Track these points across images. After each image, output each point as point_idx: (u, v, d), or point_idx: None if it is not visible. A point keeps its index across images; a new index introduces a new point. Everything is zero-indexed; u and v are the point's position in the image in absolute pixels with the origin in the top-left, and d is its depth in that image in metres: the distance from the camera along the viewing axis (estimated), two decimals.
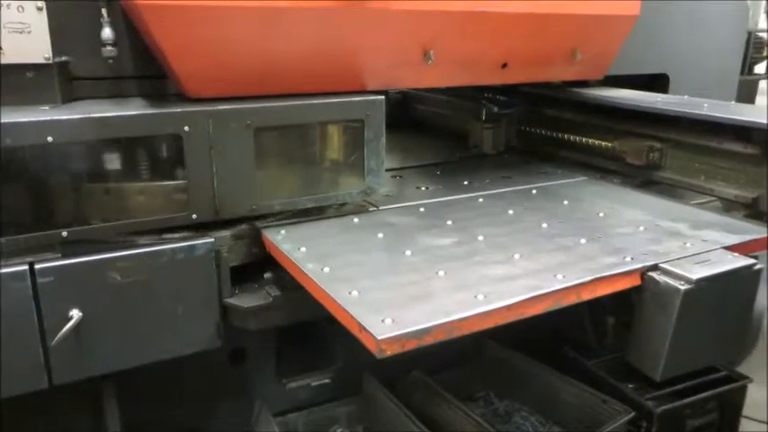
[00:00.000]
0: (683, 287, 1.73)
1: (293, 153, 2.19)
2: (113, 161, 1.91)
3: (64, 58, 1.95)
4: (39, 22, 1.83)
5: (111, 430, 2.22)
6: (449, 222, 2.22)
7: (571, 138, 3.09)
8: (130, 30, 2.03)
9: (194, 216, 1.98)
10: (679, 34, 3.41)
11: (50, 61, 1.86)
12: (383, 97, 2.23)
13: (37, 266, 1.76)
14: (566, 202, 2.47)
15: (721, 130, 2.47)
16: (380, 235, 2.09)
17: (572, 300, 1.71)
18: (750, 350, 3.22)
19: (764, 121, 2.27)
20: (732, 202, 2.47)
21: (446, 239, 2.05)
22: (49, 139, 1.75)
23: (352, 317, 1.52)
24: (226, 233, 2.05)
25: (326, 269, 1.80)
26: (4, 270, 1.74)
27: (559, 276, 1.73)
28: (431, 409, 2.77)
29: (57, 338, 1.77)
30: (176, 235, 1.98)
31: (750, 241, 2.04)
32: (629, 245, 1.98)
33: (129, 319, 1.91)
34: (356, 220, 2.24)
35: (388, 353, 1.41)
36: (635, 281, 1.82)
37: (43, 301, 1.77)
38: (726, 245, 1.98)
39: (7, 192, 1.77)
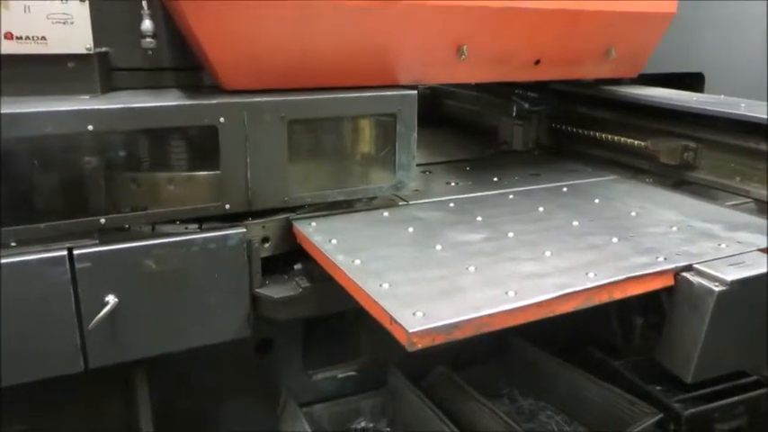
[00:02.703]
0: (717, 288, 1.71)
1: (325, 146, 2.21)
2: (151, 150, 1.94)
3: (104, 49, 1.99)
4: (81, 13, 1.86)
5: (143, 416, 2.27)
6: (478, 218, 2.21)
7: (602, 136, 3.06)
8: (168, 22, 2.07)
9: (227, 206, 2.01)
10: (715, 33, 3.35)
11: (91, 52, 1.90)
12: (415, 92, 2.24)
13: (75, 252, 1.81)
14: (597, 201, 2.45)
15: (758, 130, 2.42)
16: (410, 229, 2.09)
17: (603, 299, 1.70)
18: None
19: None
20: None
21: (476, 235, 2.04)
22: (90, 127, 1.79)
23: (383, 309, 1.52)
24: (258, 223, 2.07)
25: (357, 261, 1.80)
26: (44, 255, 1.78)
27: (591, 275, 1.72)
28: (455, 404, 2.77)
29: (93, 323, 1.81)
30: (210, 224, 2.01)
31: None
32: (662, 245, 1.96)
33: (163, 306, 1.95)
34: (386, 213, 2.25)
35: (419, 346, 1.42)
36: (668, 281, 1.80)
37: (81, 287, 1.82)
38: (761, 247, 1.94)
39: (47, 179, 1.81)
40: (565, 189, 2.64)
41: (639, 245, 1.96)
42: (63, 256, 1.79)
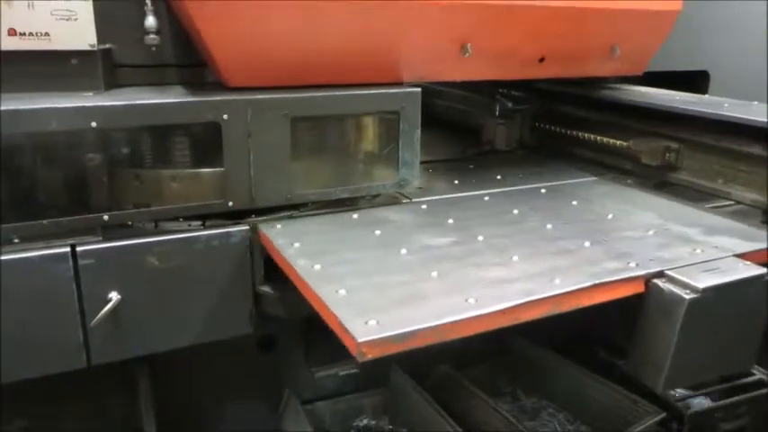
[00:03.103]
0: (688, 296, 1.65)
1: (328, 143, 2.21)
2: (154, 147, 1.94)
3: (108, 46, 1.99)
4: (85, 10, 1.86)
5: (145, 413, 2.27)
6: (450, 221, 2.15)
7: (585, 136, 3.00)
8: (172, 18, 2.07)
9: (231, 203, 2.01)
10: (721, 31, 3.34)
11: (95, 48, 1.90)
12: (419, 90, 2.24)
13: (79, 249, 1.80)
14: (574, 203, 2.40)
15: (741, 131, 2.35)
16: (378, 232, 2.03)
17: (570, 306, 1.64)
18: None
19: None
20: (750, 207, 2.36)
21: (444, 239, 1.98)
22: (93, 124, 1.79)
23: (335, 317, 1.47)
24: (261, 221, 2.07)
25: (317, 266, 1.74)
26: (47, 252, 1.78)
27: (557, 281, 1.66)
28: (457, 402, 2.77)
29: (96, 319, 1.81)
30: (213, 222, 2.01)
31: (764, 250, 1.95)
32: (636, 250, 1.90)
33: (165, 303, 1.95)
34: (355, 216, 2.18)
35: (369, 356, 1.36)
36: (639, 288, 1.74)
37: (84, 283, 1.81)
38: (738, 252, 1.88)
39: (50, 175, 1.82)
40: (543, 190, 2.59)
41: (612, 249, 1.91)
42: (66, 253, 1.79)
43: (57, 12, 1.83)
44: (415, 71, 2.31)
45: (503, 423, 2.57)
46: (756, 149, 2.32)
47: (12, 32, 1.79)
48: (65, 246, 1.80)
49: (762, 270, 1.77)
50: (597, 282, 1.67)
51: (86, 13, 1.86)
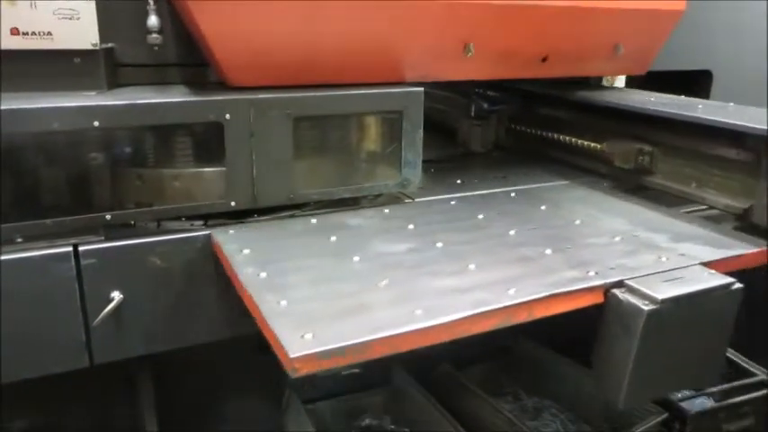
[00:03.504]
0: (646, 307, 1.58)
1: (330, 143, 2.21)
2: (156, 147, 1.94)
3: (110, 45, 1.99)
4: (87, 9, 1.85)
5: (147, 413, 2.27)
6: (410, 227, 2.08)
7: (561, 138, 2.92)
8: (174, 17, 2.06)
9: (233, 203, 2.00)
10: (724, 31, 3.34)
11: (98, 48, 1.89)
12: (422, 89, 2.23)
13: (81, 248, 1.80)
14: (543, 208, 2.33)
15: (715, 134, 2.28)
16: (334, 238, 1.95)
17: (523, 317, 1.57)
18: None
19: (758, 126, 2.07)
20: (723, 212, 2.30)
21: (401, 245, 1.91)
22: (96, 123, 1.78)
23: (270, 329, 1.41)
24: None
25: (263, 274, 1.68)
26: (50, 251, 1.78)
27: (511, 291, 1.59)
28: (459, 402, 2.77)
29: (98, 319, 1.81)
30: (215, 221, 2.01)
31: (732, 257, 1.89)
32: (599, 257, 1.84)
33: (167, 302, 1.95)
34: (314, 221, 2.11)
35: (303, 372, 1.31)
36: (597, 298, 1.67)
37: (86, 283, 1.81)
38: (705, 261, 1.82)
39: (52, 175, 1.81)
40: (513, 194, 2.52)
41: (574, 257, 1.84)
42: (68, 253, 1.79)
43: (59, 11, 1.82)
44: (418, 71, 2.31)
45: (505, 423, 2.57)
46: (730, 153, 2.26)
47: (14, 32, 1.79)
48: (67, 245, 1.80)
49: (727, 279, 1.71)
50: (552, 292, 1.60)
51: (89, 13, 1.86)
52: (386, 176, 2.27)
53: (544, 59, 2.58)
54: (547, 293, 1.60)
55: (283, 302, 1.53)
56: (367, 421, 2.89)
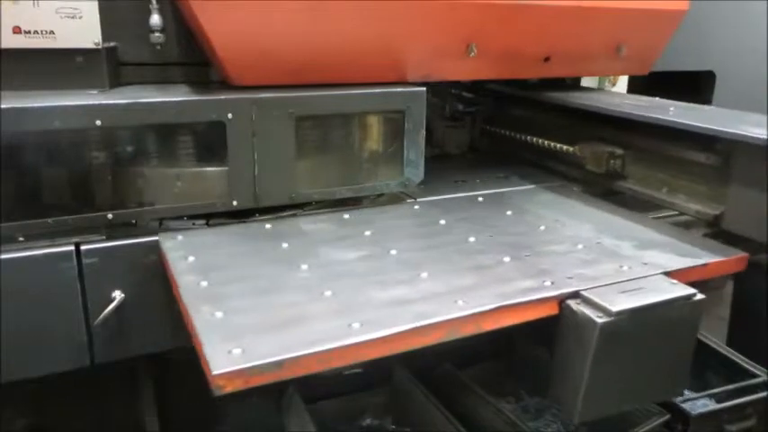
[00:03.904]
0: (600, 320, 1.52)
1: (332, 143, 2.20)
2: (158, 146, 1.94)
3: (112, 44, 1.99)
4: (90, 8, 1.86)
5: (147, 410, 2.27)
6: (367, 233, 2.01)
7: (534, 140, 2.83)
8: (176, 17, 2.06)
9: (235, 202, 2.00)
10: (727, 31, 3.33)
11: (100, 47, 1.90)
12: (424, 89, 2.23)
13: (83, 247, 1.80)
14: (509, 213, 2.27)
15: (684, 137, 2.19)
16: (285, 245, 1.88)
17: (470, 330, 1.51)
18: None
19: (726, 129, 2.00)
20: (694, 218, 2.22)
21: (354, 253, 1.85)
22: (98, 122, 1.78)
23: (199, 343, 1.35)
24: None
25: (204, 283, 1.61)
26: (52, 250, 1.78)
27: (460, 302, 1.53)
28: (460, 402, 2.77)
29: (100, 318, 1.81)
30: (217, 220, 2.01)
31: (697, 266, 1.83)
32: (558, 266, 1.77)
33: (168, 301, 1.94)
34: (268, 226, 2.04)
35: (228, 389, 1.25)
36: (552, 309, 1.61)
37: (88, 282, 1.81)
38: (668, 270, 1.76)
39: (55, 173, 1.81)
40: (481, 199, 2.44)
41: (533, 266, 1.78)
42: (70, 252, 1.79)
43: (62, 10, 1.83)
44: (420, 70, 2.31)
45: (506, 423, 2.56)
46: (699, 157, 2.19)
47: (17, 30, 1.79)
48: (69, 244, 1.80)
49: (689, 290, 1.65)
50: (502, 304, 1.54)
51: (91, 12, 1.86)
52: (388, 176, 2.27)
53: (546, 59, 2.58)
54: (495, 305, 1.53)
55: (218, 314, 1.46)
56: (368, 421, 2.88)
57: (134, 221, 1.94)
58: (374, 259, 1.82)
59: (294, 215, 2.13)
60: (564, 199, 2.48)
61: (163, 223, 1.98)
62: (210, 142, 1.97)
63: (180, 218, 1.99)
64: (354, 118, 2.19)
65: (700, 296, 1.65)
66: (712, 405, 2.59)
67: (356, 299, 1.56)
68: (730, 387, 2.62)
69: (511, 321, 1.56)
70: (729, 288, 3.41)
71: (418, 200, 2.37)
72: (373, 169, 2.27)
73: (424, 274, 1.70)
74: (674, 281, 1.71)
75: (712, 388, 2.63)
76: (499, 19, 2.32)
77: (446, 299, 1.56)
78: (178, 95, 1.92)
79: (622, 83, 4.05)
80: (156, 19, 1.97)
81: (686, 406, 2.54)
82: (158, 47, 2.03)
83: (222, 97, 1.93)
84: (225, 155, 1.95)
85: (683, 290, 1.66)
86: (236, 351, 1.30)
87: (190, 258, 1.76)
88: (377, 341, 1.38)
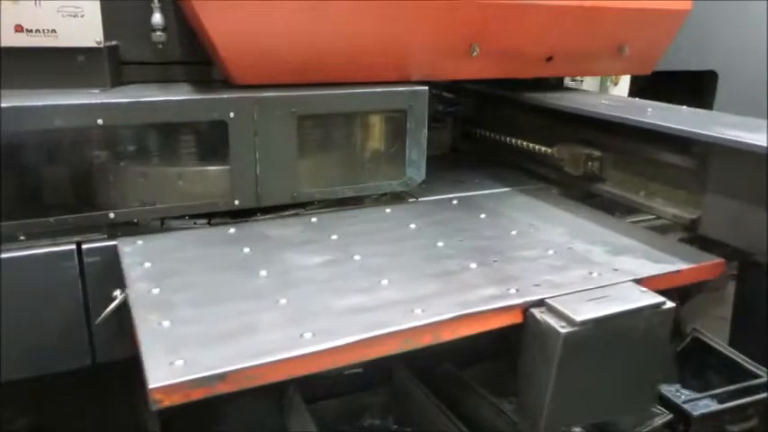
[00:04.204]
0: (563, 330, 1.47)
1: (334, 142, 2.20)
2: (160, 145, 1.94)
3: (114, 43, 1.99)
4: (91, 7, 1.86)
5: (148, 411, 2.26)
6: (333, 237, 1.95)
7: (514, 142, 2.78)
8: (178, 15, 2.06)
9: (237, 202, 2.00)
10: (729, 31, 3.32)
11: (102, 45, 1.89)
12: (426, 88, 2.23)
13: (84, 246, 1.80)
14: (483, 216, 2.21)
15: (661, 139, 2.13)
16: (247, 250, 1.83)
17: (428, 340, 1.46)
18: None
19: (701, 131, 1.94)
20: (672, 222, 2.17)
21: (317, 258, 1.79)
22: (99, 121, 1.78)
23: (141, 354, 1.30)
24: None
25: (156, 291, 1.56)
26: (53, 249, 1.78)
27: (418, 311, 1.48)
28: (462, 402, 2.76)
29: (101, 317, 1.80)
30: (217, 220, 2.01)
31: (669, 273, 1.78)
32: (525, 273, 1.72)
33: None
34: (232, 230, 1.99)
35: (167, 404, 1.21)
36: (516, 318, 1.56)
37: (89, 281, 1.81)
38: (638, 277, 1.71)
39: (56, 172, 1.81)
40: (455, 202, 2.38)
41: (499, 272, 1.72)
42: (72, 251, 1.79)
43: (63, 9, 1.82)
44: (422, 70, 2.30)
45: (507, 423, 2.56)
46: (675, 160, 2.15)
47: (18, 29, 1.79)
48: (70, 243, 1.80)
49: (658, 299, 1.60)
50: (461, 313, 1.49)
51: (93, 11, 1.86)
52: (390, 175, 2.26)
53: (549, 59, 2.57)
54: (454, 314, 1.48)
55: (166, 323, 1.41)
56: (369, 421, 2.88)
57: (136, 221, 1.94)
58: (336, 265, 1.76)
59: (297, 214, 2.12)
60: (540, 202, 2.42)
61: (165, 222, 1.97)
62: (212, 141, 1.97)
63: (182, 217, 1.98)
64: (356, 117, 2.19)
65: (669, 304, 1.60)
66: (714, 405, 2.58)
67: (312, 307, 1.51)
68: (732, 387, 2.62)
69: (471, 330, 1.51)
70: (731, 288, 3.41)
71: (392, 203, 2.32)
72: (375, 169, 2.26)
73: (385, 281, 1.65)
74: (644, 288, 1.66)
75: (714, 388, 2.62)
76: (501, 18, 2.31)
77: (404, 307, 1.51)
78: (180, 94, 1.92)
79: (625, 83, 4.04)
80: (157, 18, 1.97)
81: (688, 406, 2.54)
82: (160, 46, 2.03)
83: (224, 96, 1.93)
84: (227, 154, 1.95)
85: (651, 298, 1.60)
86: (179, 363, 1.25)
87: (146, 264, 1.71)
88: (327, 352, 1.34)
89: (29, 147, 1.75)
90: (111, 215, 1.86)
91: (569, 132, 2.56)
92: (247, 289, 1.61)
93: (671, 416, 2.49)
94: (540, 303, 1.57)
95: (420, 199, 2.39)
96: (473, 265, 1.77)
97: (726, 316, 3.39)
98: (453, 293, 1.59)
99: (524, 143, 2.74)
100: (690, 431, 2.49)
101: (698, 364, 2.80)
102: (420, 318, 1.46)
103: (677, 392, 2.67)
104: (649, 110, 2.36)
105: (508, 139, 2.83)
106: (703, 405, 2.57)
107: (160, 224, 1.97)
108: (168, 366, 1.24)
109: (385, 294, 1.59)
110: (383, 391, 2.89)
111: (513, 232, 2.07)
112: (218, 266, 1.74)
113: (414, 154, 2.24)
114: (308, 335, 1.37)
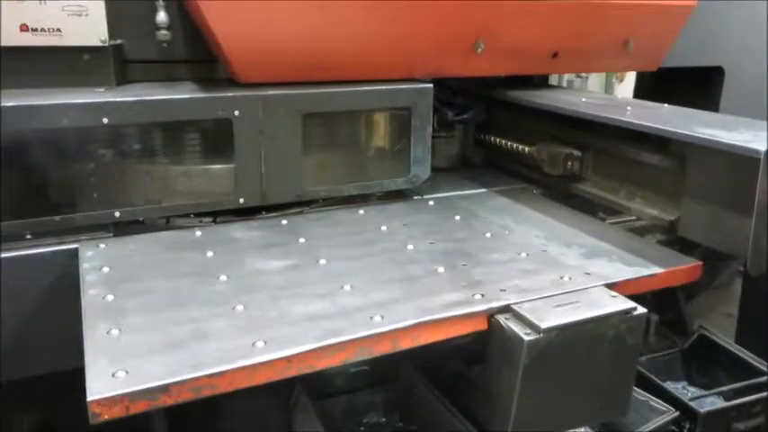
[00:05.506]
0: (528, 337, 1.42)
1: (339, 140, 2.20)
2: (165, 143, 1.94)
3: (119, 42, 1.99)
4: (96, 6, 1.86)
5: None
6: (301, 240, 1.91)
7: (494, 140, 2.74)
8: (183, 14, 2.06)
9: (241, 200, 2.00)
10: (735, 27, 3.30)
11: (106, 44, 1.90)
12: (431, 86, 2.22)
13: None
14: (457, 218, 2.16)
15: (639, 139, 2.09)
16: (210, 254, 1.78)
17: (386, 348, 1.42)
18: None
19: (679, 130, 1.88)
20: (652, 223, 2.13)
21: (281, 262, 1.74)
22: (105, 120, 1.78)
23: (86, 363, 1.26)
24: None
25: (110, 297, 1.52)
26: (59, 247, 1.79)
27: (377, 318, 1.44)
28: (467, 400, 2.76)
29: None
30: (224, 218, 2.01)
31: (644, 277, 1.72)
32: (494, 277, 1.67)
33: None
34: (198, 233, 1.94)
35: (105, 417, 1.15)
36: (481, 325, 1.51)
37: None
38: (611, 281, 1.66)
39: (62, 171, 1.82)
40: (431, 203, 2.32)
41: (467, 276, 1.67)
42: (77, 249, 1.79)
43: (68, 7, 1.83)
44: (427, 67, 2.30)
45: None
46: (654, 160, 2.10)
47: (24, 28, 1.79)
48: (76, 242, 1.80)
49: (628, 304, 1.55)
50: (421, 320, 1.45)
51: (98, 9, 1.87)
52: (395, 173, 2.26)
53: (554, 55, 2.56)
54: (413, 321, 1.44)
55: (114, 331, 1.37)
56: (375, 418, 2.88)
57: (141, 219, 1.94)
58: (299, 270, 1.71)
59: (301, 212, 2.12)
60: (518, 203, 2.37)
61: (170, 221, 1.98)
62: (217, 140, 1.97)
63: (187, 215, 1.99)
64: (361, 115, 2.19)
65: (641, 310, 1.55)
66: (720, 403, 2.57)
67: (268, 314, 1.47)
68: (738, 385, 2.61)
69: (432, 338, 1.47)
70: (738, 285, 3.39)
71: (370, 205, 2.27)
72: (380, 167, 2.26)
73: (348, 287, 1.60)
74: (615, 293, 1.61)
75: (720, 386, 2.62)
76: (506, 15, 2.31)
77: (363, 314, 1.46)
78: (185, 93, 1.92)
79: (630, 79, 4.03)
80: (162, 16, 1.97)
81: (694, 404, 2.53)
82: (165, 44, 2.03)
83: (229, 94, 1.93)
84: (231, 152, 1.95)
85: (621, 303, 1.55)
86: (121, 374, 1.21)
87: (104, 269, 1.67)
88: (277, 362, 1.30)
89: (34, 145, 1.76)
90: (117, 214, 1.87)
91: (550, 131, 2.51)
92: (204, 295, 1.56)
93: (677, 413, 2.48)
94: (507, 309, 1.53)
95: (395, 200, 2.33)
96: (440, 269, 1.72)
97: (732, 313, 3.38)
98: (416, 299, 1.55)
99: (504, 142, 2.68)
100: (696, 428, 2.48)
101: (704, 362, 2.79)
102: (379, 325, 1.42)
103: (684, 389, 2.67)
104: (629, 108, 2.30)
105: (488, 137, 2.80)
106: (710, 402, 2.57)
107: (165, 222, 1.97)
108: (110, 378, 1.20)
109: (346, 300, 1.54)
110: (390, 388, 2.90)
111: (487, 234, 2.01)
112: (179, 271, 1.68)
113: (419, 152, 2.24)
114: (260, 343, 1.33)
